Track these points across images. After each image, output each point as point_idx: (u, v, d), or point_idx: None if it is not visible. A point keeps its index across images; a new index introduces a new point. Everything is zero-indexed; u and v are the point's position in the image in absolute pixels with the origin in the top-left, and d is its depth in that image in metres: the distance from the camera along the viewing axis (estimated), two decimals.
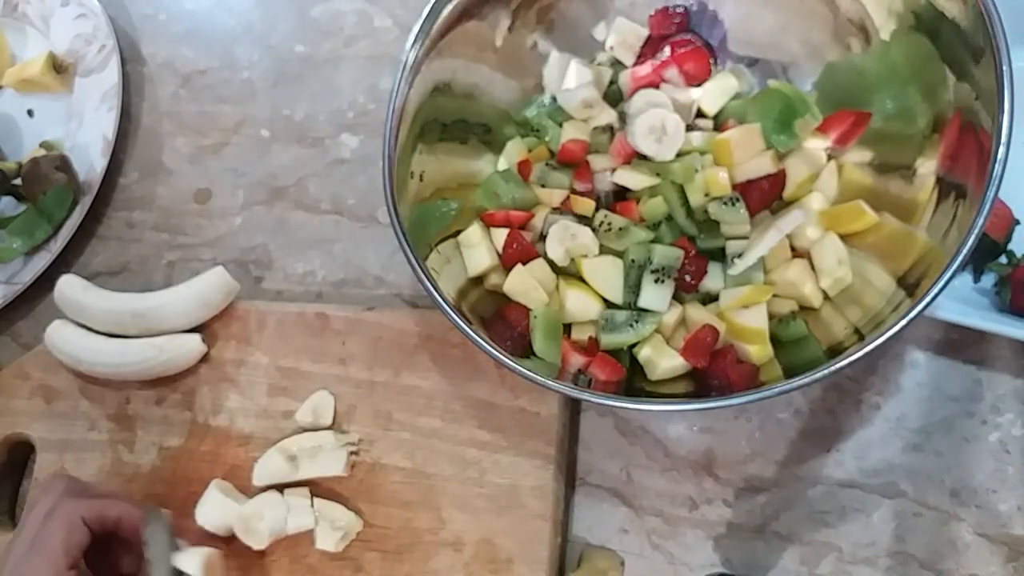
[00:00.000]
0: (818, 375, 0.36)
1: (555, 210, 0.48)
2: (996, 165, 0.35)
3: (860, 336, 0.39)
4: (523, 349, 0.44)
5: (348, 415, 0.50)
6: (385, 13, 0.63)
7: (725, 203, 0.44)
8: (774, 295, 0.43)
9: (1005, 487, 0.44)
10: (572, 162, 0.49)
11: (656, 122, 0.45)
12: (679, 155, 0.46)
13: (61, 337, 0.54)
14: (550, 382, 0.39)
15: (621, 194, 0.48)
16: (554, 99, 0.51)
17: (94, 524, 0.42)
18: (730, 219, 0.44)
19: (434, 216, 0.47)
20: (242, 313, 0.54)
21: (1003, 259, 0.46)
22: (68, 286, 0.56)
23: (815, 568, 0.45)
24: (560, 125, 0.50)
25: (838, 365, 0.36)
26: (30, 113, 0.68)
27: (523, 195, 0.48)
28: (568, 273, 0.47)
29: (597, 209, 0.48)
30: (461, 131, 0.50)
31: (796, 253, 0.44)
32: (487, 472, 0.47)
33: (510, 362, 0.39)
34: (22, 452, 0.57)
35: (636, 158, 0.47)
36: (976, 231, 0.35)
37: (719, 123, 0.48)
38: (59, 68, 0.66)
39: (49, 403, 0.56)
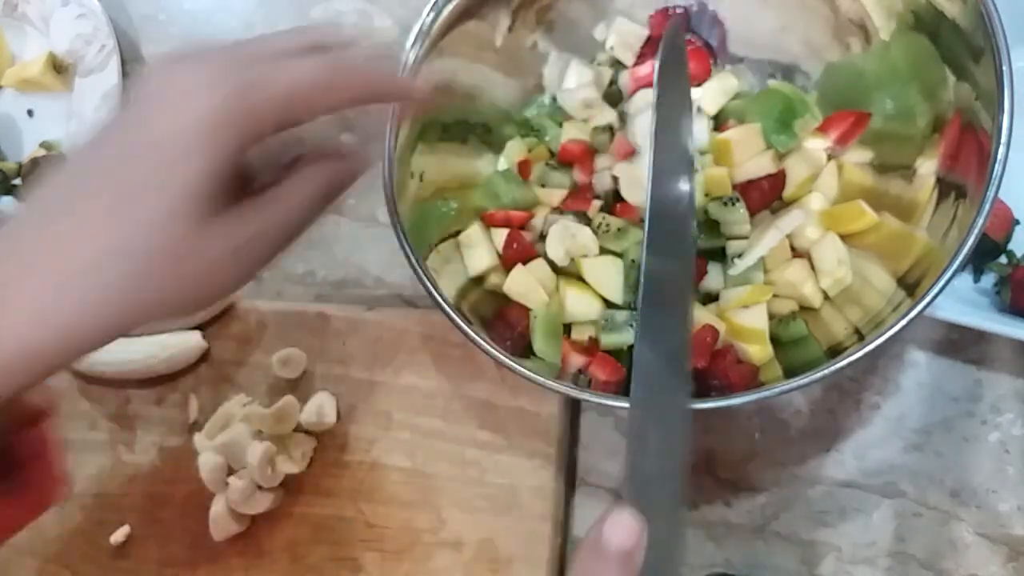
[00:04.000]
0: (818, 375, 0.36)
1: (555, 210, 0.48)
2: (996, 165, 0.35)
3: (860, 336, 0.39)
4: (523, 349, 0.44)
5: (348, 415, 0.50)
6: (385, 13, 0.63)
7: (725, 203, 0.44)
8: (774, 295, 0.44)
9: (1005, 487, 0.44)
10: (572, 162, 0.49)
11: None
12: None
13: None
14: (550, 382, 0.39)
15: (621, 194, 0.48)
16: (554, 99, 0.51)
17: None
18: (730, 219, 0.44)
19: (434, 216, 0.47)
20: (242, 313, 0.54)
21: (1003, 259, 0.46)
22: None
23: (815, 568, 0.45)
24: (560, 125, 0.50)
25: (838, 365, 0.36)
26: (30, 113, 0.68)
27: (523, 195, 0.48)
28: (568, 273, 0.47)
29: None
30: (461, 131, 0.50)
31: (796, 253, 0.44)
32: (487, 472, 0.47)
33: (510, 362, 0.39)
34: None
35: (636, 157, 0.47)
36: (976, 231, 0.35)
37: (719, 123, 0.48)
38: (59, 68, 0.66)
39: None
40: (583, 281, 0.46)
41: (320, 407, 0.50)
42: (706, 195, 0.45)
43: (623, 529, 0.26)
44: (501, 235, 0.47)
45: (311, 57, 0.28)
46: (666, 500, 0.28)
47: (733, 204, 0.44)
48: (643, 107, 0.47)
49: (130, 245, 0.25)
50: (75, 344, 0.25)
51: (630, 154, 0.47)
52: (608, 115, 0.49)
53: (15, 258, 0.25)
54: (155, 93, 0.26)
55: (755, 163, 0.45)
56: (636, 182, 0.45)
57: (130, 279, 0.25)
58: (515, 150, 0.51)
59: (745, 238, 0.45)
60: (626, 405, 0.39)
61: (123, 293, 0.25)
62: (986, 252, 0.46)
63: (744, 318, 0.43)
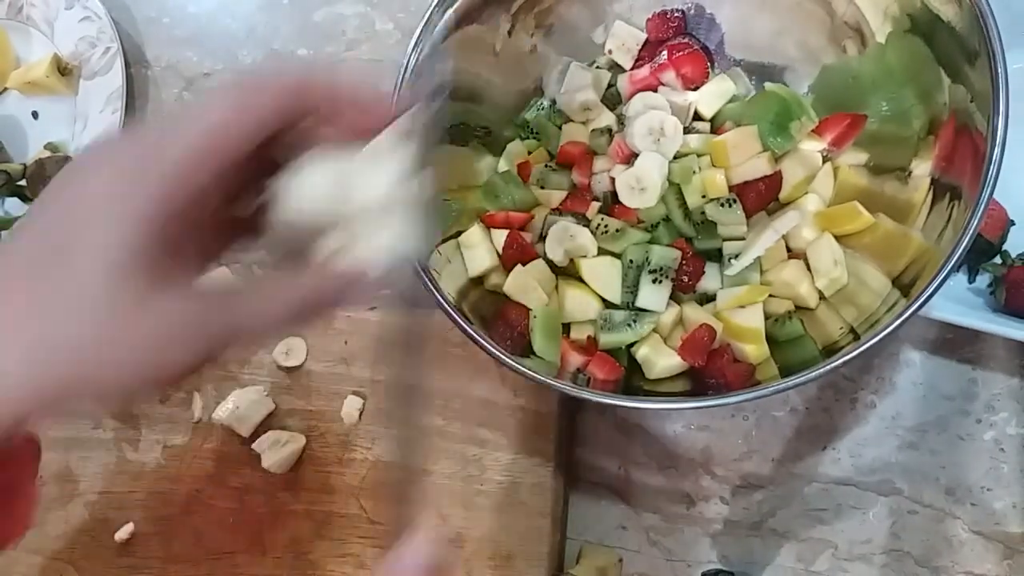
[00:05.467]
0: (814, 374, 0.36)
1: (554, 211, 0.49)
2: (991, 166, 0.35)
3: (855, 335, 0.39)
4: (523, 348, 0.45)
5: (349, 413, 0.51)
6: (387, 17, 0.64)
7: (722, 204, 0.45)
8: (770, 295, 0.44)
9: (1000, 485, 0.44)
10: (571, 164, 0.49)
11: (655, 124, 0.45)
12: (676, 157, 0.46)
13: None
14: (549, 381, 0.40)
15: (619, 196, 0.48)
16: (553, 102, 0.51)
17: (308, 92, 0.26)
18: (727, 220, 0.45)
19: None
20: None
21: (998, 259, 0.46)
22: None
23: (811, 565, 0.45)
24: (559, 127, 0.50)
25: (833, 364, 0.36)
26: (35, 115, 0.68)
27: (523, 196, 0.49)
28: (567, 273, 0.47)
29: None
30: (462, 134, 0.50)
31: (792, 254, 0.45)
32: (487, 470, 0.48)
33: (510, 361, 0.40)
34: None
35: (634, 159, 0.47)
36: (971, 232, 0.35)
37: (716, 126, 0.49)
38: (63, 71, 0.66)
39: None
40: (582, 281, 0.46)
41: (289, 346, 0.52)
42: (703, 196, 0.46)
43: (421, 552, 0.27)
44: (501, 236, 0.47)
45: (223, 94, 0.25)
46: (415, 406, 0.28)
47: (730, 205, 0.45)
48: (641, 110, 0.47)
49: (62, 328, 0.23)
50: (11, 421, 0.23)
51: (629, 157, 0.47)
52: (607, 118, 0.49)
53: None
54: (70, 173, 0.25)
55: (751, 165, 0.45)
56: (634, 185, 0.45)
57: (70, 364, 0.23)
58: (515, 152, 0.51)
59: (742, 239, 0.46)
60: (624, 404, 0.40)
61: (67, 378, 0.23)
62: (981, 252, 0.46)
63: (741, 318, 0.43)
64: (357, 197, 0.26)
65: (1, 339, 0.23)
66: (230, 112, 0.24)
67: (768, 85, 0.48)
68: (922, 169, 0.42)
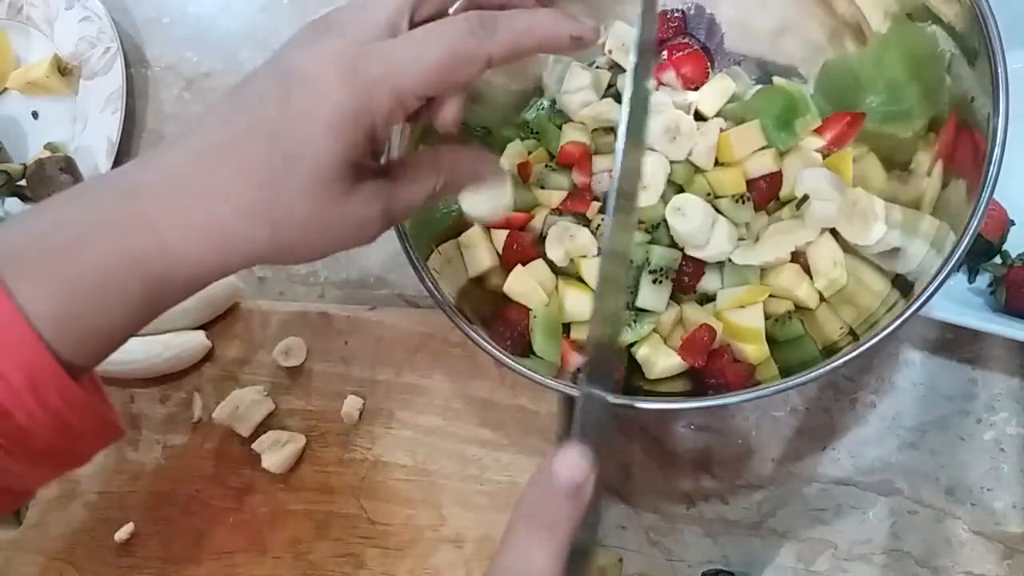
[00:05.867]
0: (814, 374, 0.36)
1: (554, 211, 0.49)
2: (991, 166, 0.35)
3: (855, 336, 0.40)
4: (523, 348, 0.45)
5: (350, 413, 0.51)
6: None
7: (737, 201, 0.45)
8: (770, 295, 0.44)
9: (1000, 485, 0.44)
10: (571, 164, 0.49)
11: (671, 123, 0.45)
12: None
13: None
14: (549, 381, 0.39)
15: None
16: (553, 102, 0.51)
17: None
18: (740, 217, 0.45)
19: (435, 217, 0.48)
20: (245, 313, 0.55)
21: (998, 259, 0.46)
22: None
23: (811, 565, 0.45)
24: (559, 127, 0.50)
25: (833, 364, 0.36)
26: (35, 115, 0.69)
27: (523, 196, 0.49)
28: (567, 273, 0.47)
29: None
30: (462, 133, 0.50)
31: (792, 255, 0.45)
32: (487, 469, 0.48)
33: (510, 361, 0.40)
34: None
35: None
36: (971, 232, 0.35)
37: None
38: (64, 71, 0.66)
39: None
40: (582, 281, 0.46)
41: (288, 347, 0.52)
42: (707, 195, 0.46)
43: (572, 465, 0.28)
44: (501, 236, 0.47)
45: (443, 27, 0.29)
46: (604, 449, 0.30)
47: (744, 202, 0.45)
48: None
49: (275, 210, 0.28)
50: (221, 264, 0.29)
51: None
52: (616, 112, 0.49)
53: (177, 190, 0.29)
54: (296, 72, 0.29)
55: (757, 161, 0.45)
56: None
57: (277, 235, 0.29)
58: (515, 152, 0.51)
59: (743, 239, 0.46)
60: (626, 403, 0.40)
61: (269, 242, 0.29)
62: (981, 252, 0.46)
63: (741, 318, 0.43)
64: None
65: (235, 189, 0.28)
66: (453, 61, 0.29)
67: (776, 80, 0.48)
68: (923, 168, 0.42)
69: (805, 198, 0.44)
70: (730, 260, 0.45)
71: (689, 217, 0.44)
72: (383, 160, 0.34)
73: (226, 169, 0.29)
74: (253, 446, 0.50)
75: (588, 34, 0.30)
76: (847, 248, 0.43)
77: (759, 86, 0.49)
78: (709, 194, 0.46)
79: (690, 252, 0.45)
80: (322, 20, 0.30)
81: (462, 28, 0.29)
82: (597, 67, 0.51)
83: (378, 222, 0.31)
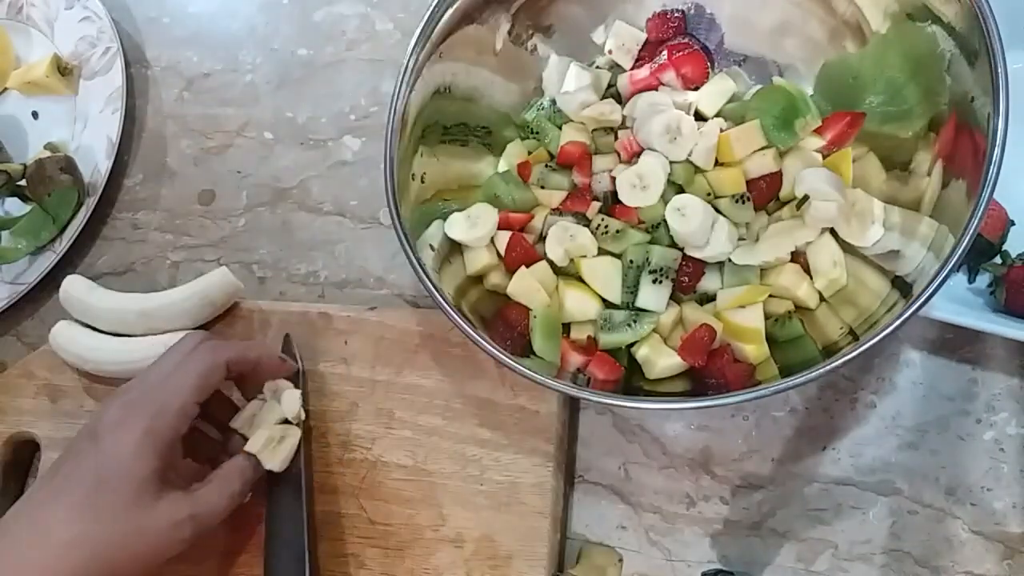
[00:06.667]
0: (814, 374, 0.36)
1: (554, 211, 0.49)
2: (991, 166, 0.35)
3: (855, 336, 0.40)
4: (523, 348, 0.45)
5: (350, 413, 0.51)
6: (387, 17, 0.64)
7: (737, 200, 0.45)
8: (770, 295, 0.44)
9: (1000, 485, 0.44)
10: (571, 164, 0.49)
11: (673, 123, 0.45)
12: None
13: (65, 337, 0.55)
14: (549, 381, 0.40)
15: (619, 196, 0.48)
16: (553, 102, 0.51)
17: (234, 366, 0.44)
18: (740, 217, 0.45)
19: (435, 217, 0.48)
20: (245, 313, 0.55)
21: (998, 259, 0.46)
22: (73, 286, 0.57)
23: (811, 565, 0.45)
24: (559, 127, 0.50)
25: (833, 364, 0.36)
26: (35, 115, 0.69)
27: (523, 196, 0.49)
28: (567, 273, 0.47)
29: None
30: (462, 133, 0.50)
31: (792, 255, 0.45)
32: (487, 469, 0.48)
33: (510, 361, 0.40)
34: (27, 451, 0.57)
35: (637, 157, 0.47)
36: (971, 232, 0.35)
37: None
38: (64, 71, 0.67)
39: (54, 402, 0.57)
40: (582, 281, 0.46)
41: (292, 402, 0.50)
42: (707, 195, 0.46)
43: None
44: (501, 235, 0.47)
45: (190, 358, 0.43)
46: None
47: (744, 202, 0.45)
48: (648, 109, 0.47)
49: (100, 527, 0.38)
50: None
51: (635, 155, 0.47)
52: (617, 112, 0.49)
53: (13, 535, 0.38)
54: (104, 426, 0.40)
55: (756, 161, 0.45)
56: (636, 183, 0.45)
57: (102, 551, 0.38)
58: (515, 152, 0.51)
59: (743, 239, 0.46)
60: (624, 404, 0.40)
61: (97, 561, 0.38)
62: (981, 252, 0.46)
63: (740, 318, 0.43)
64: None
65: (59, 530, 0.38)
66: (204, 374, 0.43)
67: (776, 80, 0.48)
68: (922, 168, 0.42)
69: (805, 198, 0.44)
70: (730, 260, 0.45)
71: (689, 217, 0.44)
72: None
73: (56, 509, 0.38)
74: (246, 447, 0.49)
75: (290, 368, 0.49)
76: (847, 248, 0.43)
77: (759, 86, 0.49)
78: (709, 194, 0.46)
79: (690, 252, 0.45)
80: (128, 401, 0.42)
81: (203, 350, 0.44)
82: (597, 67, 0.52)
83: (188, 524, 0.40)
